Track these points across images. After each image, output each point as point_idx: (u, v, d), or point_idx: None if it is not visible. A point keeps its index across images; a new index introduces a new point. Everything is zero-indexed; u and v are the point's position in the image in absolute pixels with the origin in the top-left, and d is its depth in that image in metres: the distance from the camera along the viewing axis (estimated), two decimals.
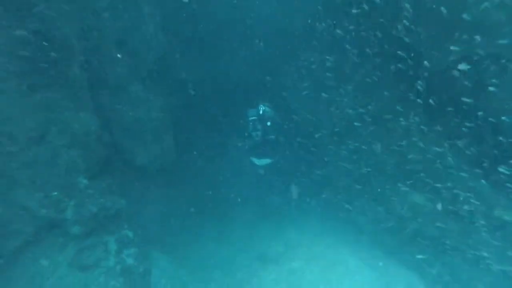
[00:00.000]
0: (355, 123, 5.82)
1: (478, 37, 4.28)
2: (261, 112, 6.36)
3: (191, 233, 6.39)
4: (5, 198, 4.63)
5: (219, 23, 6.42)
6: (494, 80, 4.29)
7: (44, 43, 4.42)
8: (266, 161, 6.40)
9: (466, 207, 4.84)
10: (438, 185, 5.12)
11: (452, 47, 4.49)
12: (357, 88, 5.96)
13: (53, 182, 4.85)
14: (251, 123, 6.16)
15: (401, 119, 5.55)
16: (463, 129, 4.73)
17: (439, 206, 5.15)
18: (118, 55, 5.12)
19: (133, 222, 5.65)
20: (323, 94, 6.13)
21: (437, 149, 5.20)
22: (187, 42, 6.31)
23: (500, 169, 4.35)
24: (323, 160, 6.67)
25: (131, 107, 5.49)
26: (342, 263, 5.89)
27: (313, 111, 6.71)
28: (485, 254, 4.56)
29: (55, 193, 4.88)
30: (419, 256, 5.27)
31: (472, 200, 4.83)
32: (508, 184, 4.45)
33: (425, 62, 4.74)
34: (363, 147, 5.86)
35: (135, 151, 5.70)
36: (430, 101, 4.91)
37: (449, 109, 4.87)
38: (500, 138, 4.37)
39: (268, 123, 6.19)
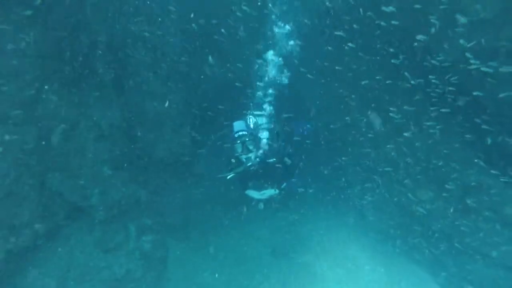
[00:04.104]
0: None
1: None
2: (251, 124, 4.66)
3: (206, 223, 6.70)
4: (42, 185, 5.23)
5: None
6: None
7: (74, 44, 4.97)
8: (269, 192, 4.82)
9: (479, 204, 4.72)
10: (451, 182, 5.04)
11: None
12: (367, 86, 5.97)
13: (81, 171, 5.42)
14: (238, 143, 4.43)
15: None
16: (475, 124, 4.62)
17: (451, 204, 5.06)
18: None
19: (151, 210, 6.10)
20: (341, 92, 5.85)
21: (450, 144, 5.11)
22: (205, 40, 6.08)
23: None
24: (336, 156, 6.70)
25: (151, 102, 5.96)
26: (352, 259, 5.94)
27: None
28: (496, 253, 4.42)
29: (82, 181, 5.45)
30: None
31: (485, 197, 4.71)
32: None
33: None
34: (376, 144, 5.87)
35: (155, 144, 6.13)
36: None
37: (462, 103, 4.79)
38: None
39: (265, 139, 4.51)
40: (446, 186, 5.01)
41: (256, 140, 4.51)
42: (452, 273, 4.98)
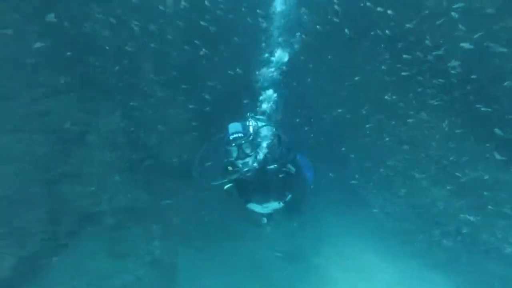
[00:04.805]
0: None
1: None
2: (250, 127, 4.08)
3: (216, 228, 6.66)
4: (52, 192, 5.30)
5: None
6: None
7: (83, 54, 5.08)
8: (273, 206, 4.20)
9: (495, 200, 4.55)
10: (465, 180, 4.89)
11: None
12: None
13: (90, 178, 5.47)
14: (233, 146, 3.81)
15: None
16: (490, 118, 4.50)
17: (467, 201, 4.90)
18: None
19: (160, 216, 6.10)
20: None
21: (465, 139, 4.97)
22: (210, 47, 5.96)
23: None
24: (348, 155, 6.60)
25: (157, 110, 6.01)
26: (365, 261, 5.79)
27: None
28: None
29: (93, 188, 5.51)
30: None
31: (503, 194, 4.54)
32: None
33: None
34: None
35: (163, 150, 6.18)
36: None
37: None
38: None
39: (265, 143, 3.97)
40: (462, 184, 4.87)
41: (254, 143, 3.93)
42: (469, 279, 4.78)
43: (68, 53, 4.94)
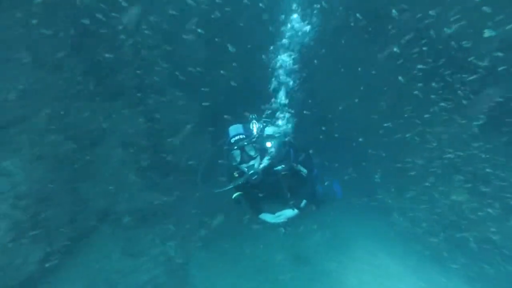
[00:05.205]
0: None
1: None
2: (254, 129, 3.78)
3: (229, 230, 6.67)
4: (74, 191, 5.52)
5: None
6: None
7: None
8: (287, 214, 3.79)
9: None
10: (487, 181, 4.66)
11: None
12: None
13: (108, 178, 5.67)
14: (235, 149, 3.48)
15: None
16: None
17: (488, 205, 4.66)
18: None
19: (175, 217, 6.20)
20: None
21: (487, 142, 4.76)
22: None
23: None
24: (363, 161, 6.48)
25: (173, 112, 6.17)
26: (379, 267, 5.60)
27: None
28: None
29: (111, 187, 5.69)
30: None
31: None
32: None
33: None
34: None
35: (178, 151, 6.31)
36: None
37: None
38: None
39: (271, 142, 3.63)
40: (482, 186, 4.65)
41: (259, 144, 3.57)
42: (492, 286, 4.52)
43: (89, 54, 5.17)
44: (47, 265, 4.94)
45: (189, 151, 6.46)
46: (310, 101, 6.15)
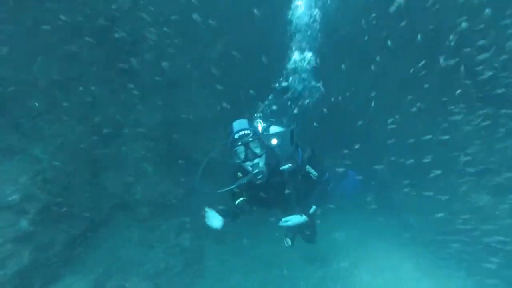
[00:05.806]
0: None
1: None
2: (259, 127, 3.61)
3: (242, 226, 6.69)
4: (93, 180, 5.70)
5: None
6: None
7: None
8: (294, 220, 3.44)
9: None
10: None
11: None
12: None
13: (126, 169, 5.84)
14: (239, 145, 3.19)
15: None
16: None
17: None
18: None
19: (189, 209, 6.31)
20: None
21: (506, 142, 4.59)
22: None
23: None
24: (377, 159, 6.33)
25: (191, 107, 6.30)
26: (393, 268, 5.50)
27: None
28: None
29: (130, 178, 5.86)
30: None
31: None
32: None
33: None
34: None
35: (194, 145, 6.43)
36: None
37: None
38: None
39: (276, 139, 3.44)
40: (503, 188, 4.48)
41: (264, 140, 3.27)
42: None
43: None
44: (66, 251, 5.14)
45: (207, 146, 6.54)
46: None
